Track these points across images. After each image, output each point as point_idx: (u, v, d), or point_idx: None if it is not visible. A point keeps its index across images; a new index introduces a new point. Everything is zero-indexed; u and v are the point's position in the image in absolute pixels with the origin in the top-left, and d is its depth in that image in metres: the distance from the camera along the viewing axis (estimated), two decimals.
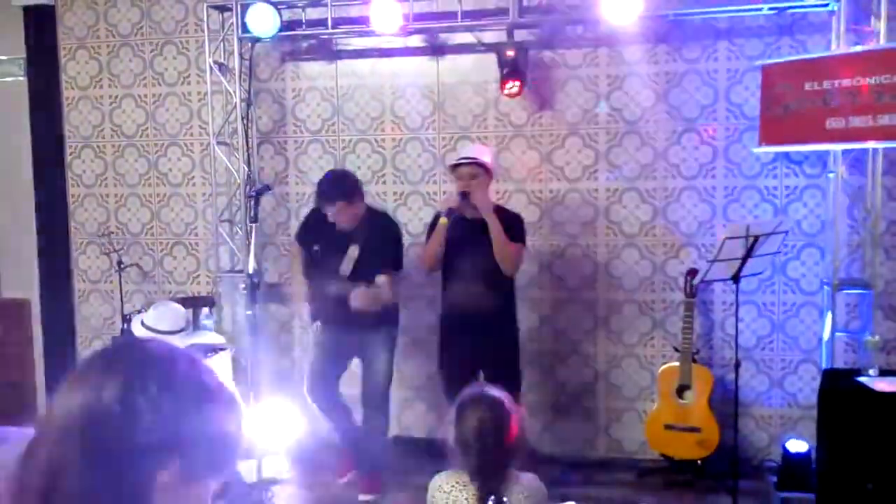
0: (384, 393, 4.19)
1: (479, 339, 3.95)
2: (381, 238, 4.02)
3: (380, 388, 4.16)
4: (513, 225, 3.98)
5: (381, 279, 3.92)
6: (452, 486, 2.41)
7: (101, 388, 0.95)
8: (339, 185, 3.98)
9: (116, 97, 5.28)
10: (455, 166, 3.98)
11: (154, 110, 5.24)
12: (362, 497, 4.19)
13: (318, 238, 4.12)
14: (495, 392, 2.51)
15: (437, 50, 4.79)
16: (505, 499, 1.98)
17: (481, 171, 3.93)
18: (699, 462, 4.33)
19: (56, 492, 0.92)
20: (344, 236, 4.01)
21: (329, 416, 4.26)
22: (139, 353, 1.02)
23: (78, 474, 0.92)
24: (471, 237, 3.87)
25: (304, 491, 4.44)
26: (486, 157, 3.99)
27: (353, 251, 3.98)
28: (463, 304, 3.97)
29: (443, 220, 3.89)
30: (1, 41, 5.40)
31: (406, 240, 4.41)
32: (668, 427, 4.35)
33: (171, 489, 0.96)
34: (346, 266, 3.99)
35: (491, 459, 2.37)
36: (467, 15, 4.52)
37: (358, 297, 3.87)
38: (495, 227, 3.84)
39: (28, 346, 5.38)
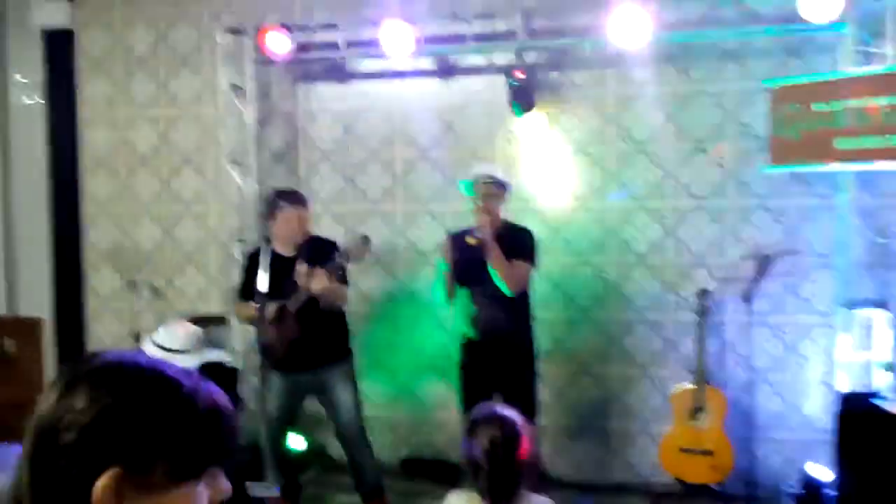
0: (358, 427, 4.10)
1: (495, 362, 3.91)
2: (325, 248, 3.89)
3: (352, 423, 4.07)
4: (521, 240, 3.94)
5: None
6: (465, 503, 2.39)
7: (67, 399, 0.93)
8: (299, 193, 4.06)
9: (131, 118, 5.36)
10: (475, 185, 3.92)
11: (168, 131, 5.31)
12: None
13: (272, 279, 3.95)
14: (507, 411, 2.49)
15: (447, 71, 4.84)
16: None
17: (498, 188, 3.91)
18: (714, 486, 4.26)
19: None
20: (288, 262, 3.90)
21: (277, 462, 4.12)
22: (103, 365, 0.98)
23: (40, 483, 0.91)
24: (482, 260, 3.80)
25: None
26: (503, 175, 3.97)
27: (301, 266, 3.85)
28: (479, 325, 3.94)
29: (471, 240, 3.79)
30: (20, 63, 5.51)
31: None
32: (683, 450, 4.29)
33: (156, 491, 0.92)
34: (301, 279, 3.83)
35: (502, 479, 2.35)
36: (477, 37, 4.57)
37: (315, 279, 3.72)
38: (496, 258, 3.77)
39: (39, 364, 5.40)
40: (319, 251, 3.86)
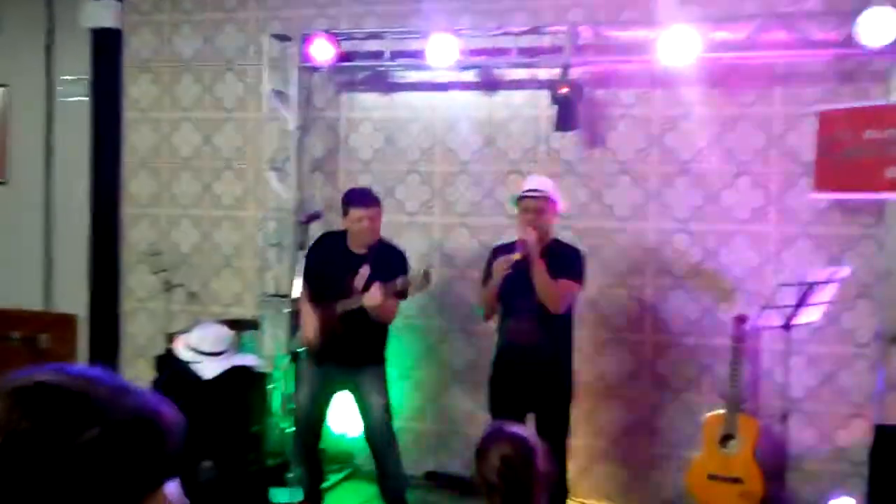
0: (389, 428, 4.10)
1: (530, 380, 3.83)
2: (392, 261, 3.94)
3: (382, 428, 4.08)
4: (568, 259, 3.84)
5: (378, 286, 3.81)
6: None
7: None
8: (371, 193, 4.08)
9: (175, 120, 5.42)
10: (521, 199, 3.85)
11: (211, 134, 5.35)
12: None
13: (327, 260, 4.08)
14: (516, 429, 2.46)
15: (490, 85, 4.84)
16: None
17: (547, 203, 3.81)
18: None
19: None
20: (355, 258, 3.99)
21: (305, 460, 4.18)
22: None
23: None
24: (527, 275, 3.70)
25: None
26: (552, 190, 3.88)
27: (365, 270, 3.91)
28: (516, 342, 3.86)
29: (515, 256, 3.70)
30: (68, 61, 5.60)
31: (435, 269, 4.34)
32: (711, 477, 4.23)
33: None
34: (359, 282, 3.92)
35: (517, 498, 2.32)
36: (522, 51, 4.56)
37: (370, 293, 3.75)
38: (538, 271, 3.68)
39: (73, 360, 5.46)
40: (386, 262, 3.90)
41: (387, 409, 4.10)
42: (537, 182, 3.93)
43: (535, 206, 3.77)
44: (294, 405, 4.26)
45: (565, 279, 3.75)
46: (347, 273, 3.94)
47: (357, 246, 4.01)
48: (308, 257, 4.22)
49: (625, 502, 4.67)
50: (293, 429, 4.22)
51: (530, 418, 3.81)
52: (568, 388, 3.96)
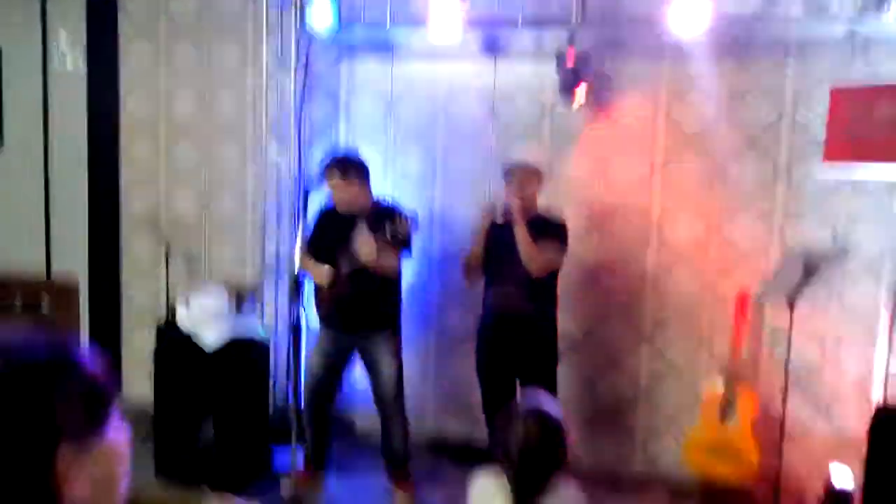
0: (398, 395, 4.16)
1: (515, 345, 3.97)
2: (389, 217, 3.91)
3: (392, 394, 4.14)
4: (551, 227, 3.97)
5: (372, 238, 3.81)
6: (493, 486, 2.39)
7: None
8: (336, 163, 4.02)
9: (173, 86, 5.32)
10: (508, 169, 3.98)
11: (209, 100, 5.26)
12: (398, 492, 4.21)
13: (327, 226, 4.12)
14: (551, 407, 2.45)
15: (495, 54, 4.73)
16: None
17: (533, 174, 3.96)
18: (737, 487, 4.24)
19: None
20: (352, 220, 3.98)
21: (314, 423, 4.23)
22: None
23: None
24: (511, 243, 3.84)
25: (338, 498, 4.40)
26: (536, 159, 4.04)
27: (363, 230, 3.90)
28: (501, 308, 3.98)
29: (499, 218, 3.91)
30: (63, 27, 5.46)
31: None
32: (708, 449, 4.27)
33: (76, 466, 0.94)
34: (361, 241, 3.90)
35: (533, 475, 2.33)
36: (528, 19, 4.45)
37: (365, 247, 3.77)
38: (520, 233, 3.82)
39: (75, 327, 5.46)
40: (383, 219, 3.89)
41: (398, 375, 4.14)
42: (525, 153, 4.13)
43: (520, 176, 3.92)
44: (306, 370, 4.30)
45: (549, 245, 3.88)
46: (346, 235, 3.94)
47: (344, 211, 3.99)
48: (312, 226, 4.23)
49: (621, 472, 4.72)
50: (303, 394, 4.25)
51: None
52: (553, 354, 4.10)
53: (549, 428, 2.36)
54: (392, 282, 4.08)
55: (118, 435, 1.02)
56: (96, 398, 1.00)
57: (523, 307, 3.92)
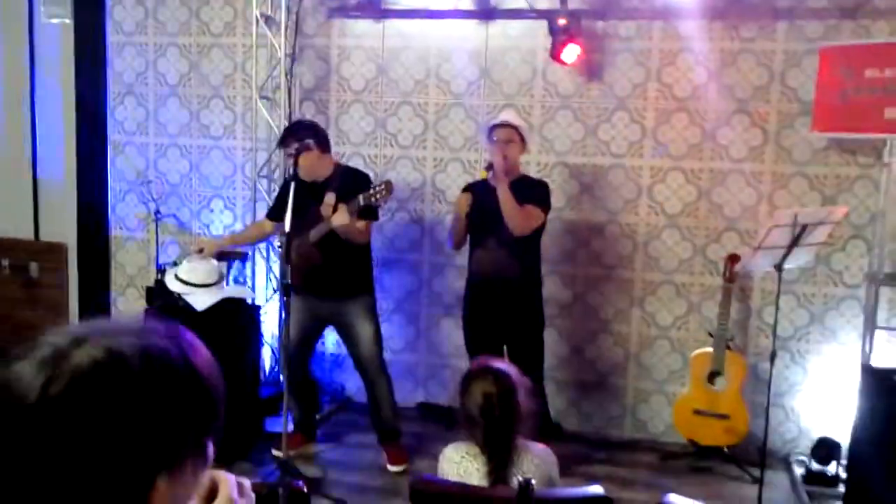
0: (378, 360, 4.15)
1: (501, 309, 3.98)
2: (356, 183, 3.89)
3: (372, 355, 4.12)
4: (534, 188, 3.99)
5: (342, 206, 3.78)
6: (462, 457, 2.41)
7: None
8: (290, 132, 4.02)
9: (161, 45, 5.26)
10: (492, 128, 4.00)
11: (198, 61, 5.21)
12: (392, 468, 4.19)
13: (295, 193, 4.06)
14: (500, 364, 2.52)
15: (486, 14, 4.69)
16: (528, 478, 1.96)
17: (516, 135, 3.97)
18: (726, 449, 4.29)
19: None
20: (317, 187, 3.97)
21: (295, 391, 4.23)
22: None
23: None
24: (495, 207, 3.85)
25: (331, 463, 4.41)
26: (520, 124, 4.04)
27: (330, 198, 3.89)
28: (486, 270, 4.00)
29: (482, 174, 3.93)
30: None
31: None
32: (697, 412, 4.30)
33: (166, 495, 0.84)
34: (326, 209, 3.90)
35: (497, 432, 2.36)
36: None
37: (337, 214, 3.75)
38: (502, 190, 3.81)
39: (64, 290, 5.44)
40: (350, 185, 3.87)
41: (376, 338, 4.14)
42: (508, 115, 4.14)
43: (504, 136, 3.95)
44: (283, 337, 4.28)
45: (531, 205, 3.89)
46: (312, 203, 3.93)
47: (307, 178, 3.96)
48: (277, 193, 4.27)
49: (612, 435, 4.76)
50: (284, 360, 4.26)
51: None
52: (539, 317, 4.13)
53: (504, 382, 2.40)
54: (362, 248, 4.05)
55: (208, 460, 0.91)
56: (208, 422, 0.89)
57: (508, 269, 3.93)
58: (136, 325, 0.89)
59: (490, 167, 3.85)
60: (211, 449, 0.91)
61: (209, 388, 0.89)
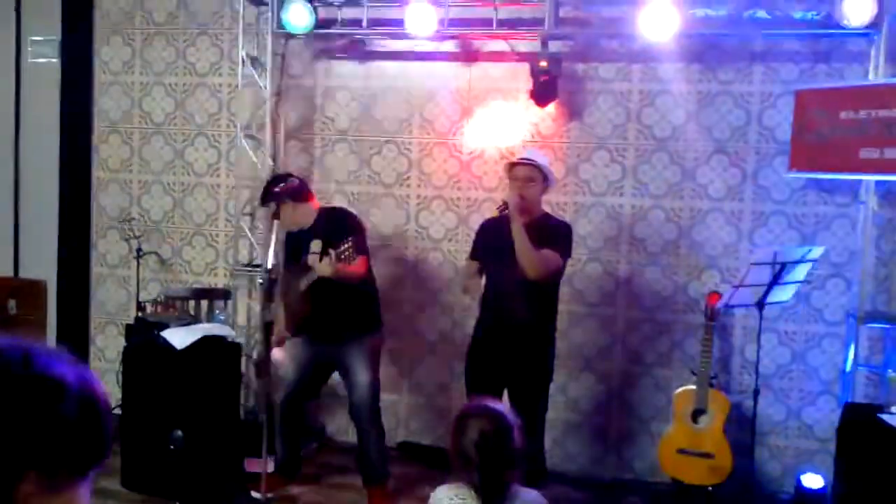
0: (373, 406, 4.07)
1: (507, 353, 3.77)
2: (340, 223, 3.89)
3: (366, 405, 4.04)
4: (554, 231, 3.80)
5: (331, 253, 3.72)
6: (452, 500, 2.37)
7: None
8: (268, 189, 3.98)
9: (147, 84, 5.30)
10: (512, 166, 3.81)
11: (184, 100, 5.25)
12: None
13: (286, 243, 4.13)
14: (497, 405, 2.51)
15: (469, 56, 4.78)
16: None
17: (538, 174, 3.75)
18: (710, 489, 4.25)
19: None
20: (304, 235, 3.98)
21: (284, 433, 4.21)
22: None
23: None
24: (510, 240, 3.62)
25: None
26: (543, 161, 3.84)
27: (316, 245, 3.88)
28: (497, 309, 3.79)
29: (495, 212, 3.72)
30: (37, 22, 5.43)
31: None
32: (681, 451, 4.27)
33: (37, 498, 0.90)
34: (312, 259, 3.87)
35: (492, 472, 2.33)
36: (502, 23, 4.51)
37: (321, 265, 3.71)
38: (516, 230, 3.58)
39: (42, 327, 5.38)
40: (334, 227, 3.85)
41: (372, 388, 4.05)
42: (531, 153, 3.96)
43: (523, 175, 3.74)
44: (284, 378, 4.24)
45: (549, 250, 3.69)
46: (300, 252, 3.94)
47: (292, 229, 4.03)
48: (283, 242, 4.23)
49: (597, 476, 4.72)
50: (278, 400, 4.20)
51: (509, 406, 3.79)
52: (548, 365, 3.91)
53: (500, 422, 2.38)
54: (358, 289, 3.98)
55: (84, 499, 0.97)
56: (90, 449, 0.96)
57: (519, 311, 3.68)
58: None
59: (505, 207, 3.61)
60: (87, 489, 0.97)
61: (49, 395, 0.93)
